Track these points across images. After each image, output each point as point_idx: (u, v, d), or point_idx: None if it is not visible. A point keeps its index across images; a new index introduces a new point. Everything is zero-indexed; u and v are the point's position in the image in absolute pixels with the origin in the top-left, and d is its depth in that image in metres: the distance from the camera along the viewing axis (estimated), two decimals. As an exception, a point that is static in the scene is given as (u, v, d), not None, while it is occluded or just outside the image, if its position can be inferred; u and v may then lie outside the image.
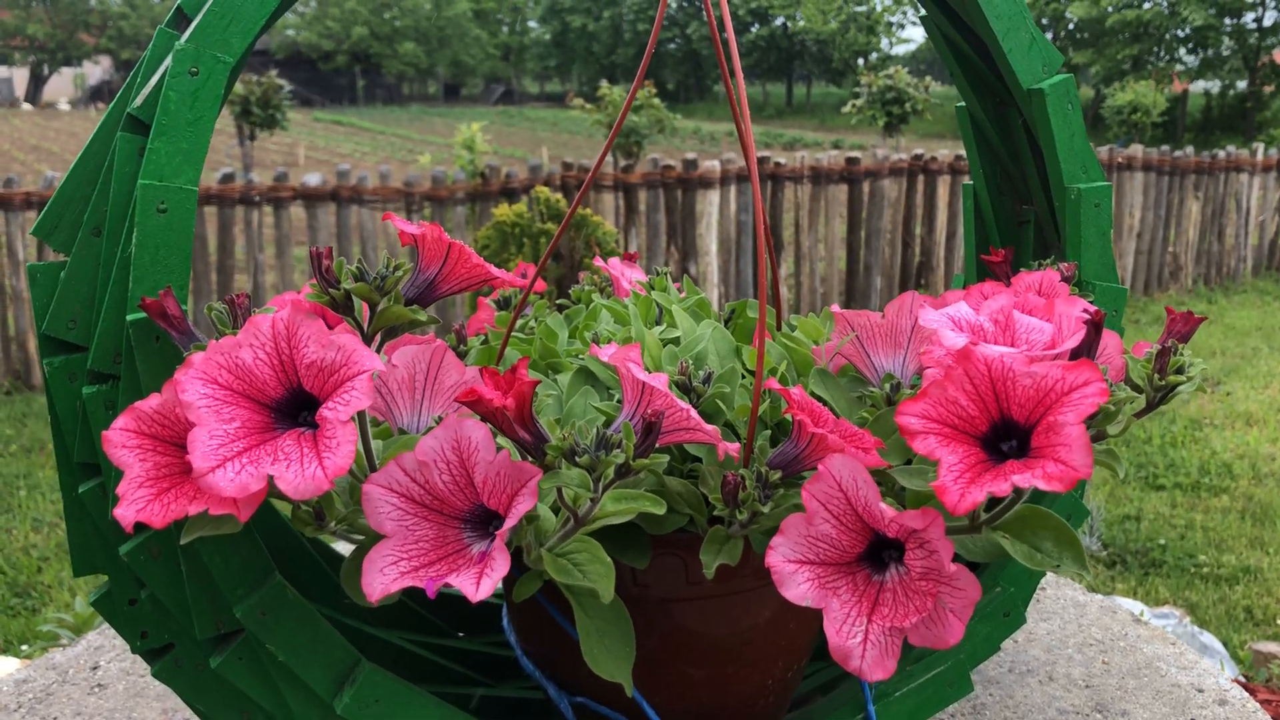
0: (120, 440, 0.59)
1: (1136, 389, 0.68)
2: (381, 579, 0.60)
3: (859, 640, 0.62)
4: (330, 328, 0.59)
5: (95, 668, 1.26)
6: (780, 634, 0.83)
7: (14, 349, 5.97)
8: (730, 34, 0.77)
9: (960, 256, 7.34)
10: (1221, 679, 1.14)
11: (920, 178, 7.22)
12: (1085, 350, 0.65)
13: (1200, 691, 1.12)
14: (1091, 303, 0.90)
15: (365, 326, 0.63)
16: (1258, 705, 1.09)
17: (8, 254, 5.79)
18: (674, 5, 42.80)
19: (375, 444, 0.68)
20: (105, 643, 1.32)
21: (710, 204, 6.51)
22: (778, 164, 6.80)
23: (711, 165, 6.50)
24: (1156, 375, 0.66)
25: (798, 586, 0.63)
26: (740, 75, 0.76)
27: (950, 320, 0.67)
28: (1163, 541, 3.84)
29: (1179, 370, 0.67)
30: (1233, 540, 3.87)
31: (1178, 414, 5.28)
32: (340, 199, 6.05)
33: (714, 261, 6.57)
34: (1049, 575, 1.37)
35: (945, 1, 0.92)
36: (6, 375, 5.95)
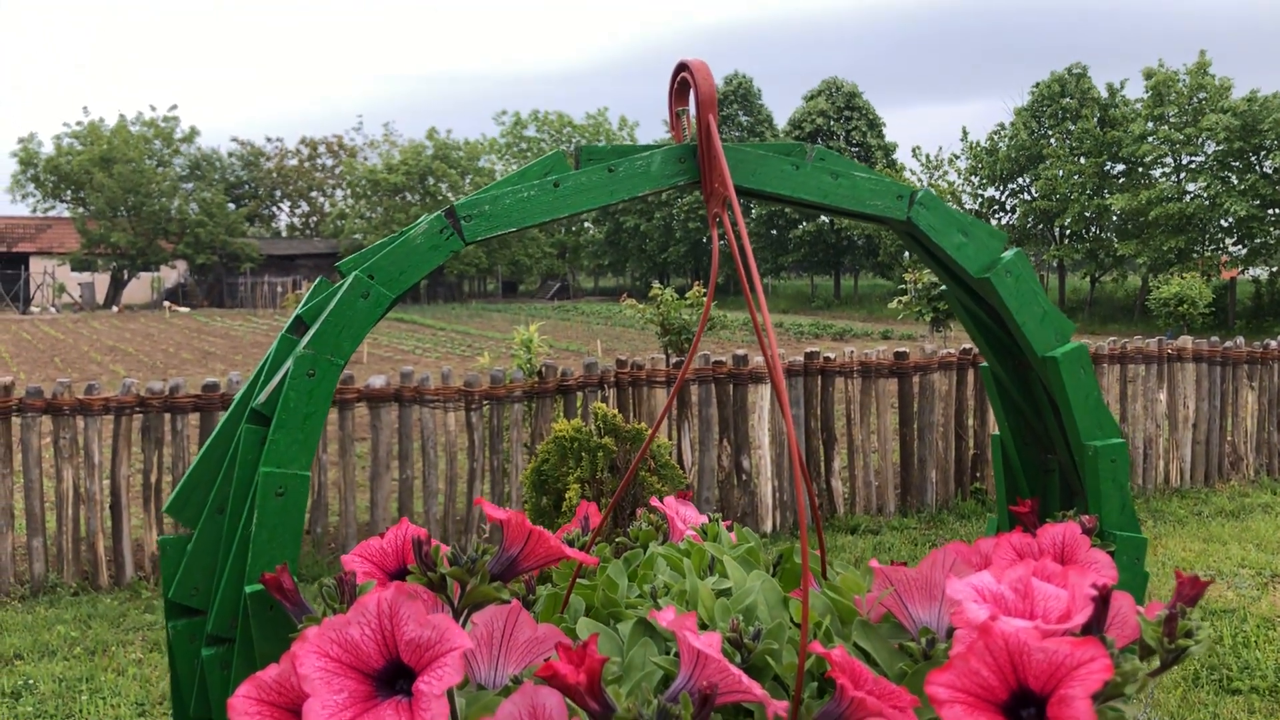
0: (243, 708, 0.68)
1: (1149, 650, 0.75)
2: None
3: None
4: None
5: None
6: None
7: (83, 549, 6.13)
8: (750, 255, 0.87)
9: (1014, 449, 7.33)
10: None
11: (970, 371, 7.32)
12: (1094, 623, 0.72)
13: None
14: (1112, 553, 0.97)
15: (456, 601, 0.72)
16: None
17: (84, 457, 6.04)
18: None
19: (459, 701, 0.76)
20: None
21: (762, 397, 6.65)
22: (827, 359, 6.97)
23: (761, 360, 6.67)
24: (1166, 639, 0.73)
25: (843, 844, 0.68)
26: (763, 300, 0.86)
27: (974, 591, 0.75)
28: (1242, 752, 3.69)
29: (1187, 634, 0.73)
30: (1316, 750, 3.71)
31: (1249, 612, 5.14)
32: (403, 399, 6.29)
33: (767, 454, 6.65)
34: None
35: (965, 282, 1.03)
36: (75, 576, 6.09)
